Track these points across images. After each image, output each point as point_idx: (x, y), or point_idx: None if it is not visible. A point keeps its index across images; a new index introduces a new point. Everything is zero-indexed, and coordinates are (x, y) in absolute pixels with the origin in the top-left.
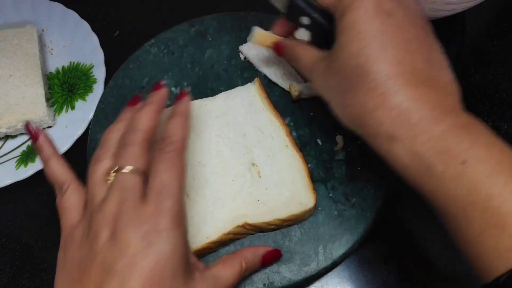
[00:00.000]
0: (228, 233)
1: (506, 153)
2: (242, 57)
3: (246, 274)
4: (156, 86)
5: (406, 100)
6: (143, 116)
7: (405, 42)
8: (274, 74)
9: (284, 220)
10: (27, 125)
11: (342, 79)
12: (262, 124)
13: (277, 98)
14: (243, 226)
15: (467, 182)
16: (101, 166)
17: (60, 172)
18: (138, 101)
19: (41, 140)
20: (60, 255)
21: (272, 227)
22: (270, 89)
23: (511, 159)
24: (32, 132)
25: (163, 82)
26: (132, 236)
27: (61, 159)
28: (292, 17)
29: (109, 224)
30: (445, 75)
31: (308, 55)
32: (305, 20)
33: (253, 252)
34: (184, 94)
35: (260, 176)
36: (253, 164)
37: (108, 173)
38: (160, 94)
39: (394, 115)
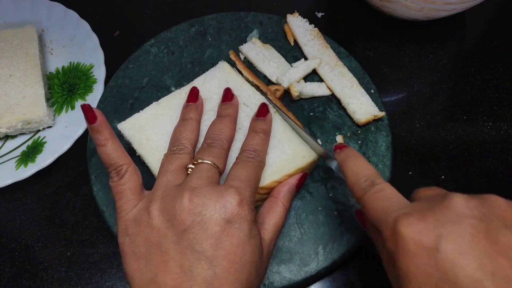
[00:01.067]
0: None
1: None
2: (242, 57)
3: (289, 207)
4: (228, 96)
5: None
6: (225, 128)
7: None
8: (274, 74)
9: (291, 175)
10: (83, 105)
11: None
12: (245, 98)
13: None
14: (257, 192)
15: None
16: (178, 158)
17: (118, 155)
18: (197, 98)
19: (100, 122)
20: (125, 240)
21: None
22: None
23: None
24: (89, 112)
25: (232, 90)
26: (216, 218)
27: (118, 142)
28: None
29: (190, 206)
30: None
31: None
32: None
33: (287, 187)
34: (267, 111)
35: None
36: None
37: (186, 165)
38: (235, 106)
39: None
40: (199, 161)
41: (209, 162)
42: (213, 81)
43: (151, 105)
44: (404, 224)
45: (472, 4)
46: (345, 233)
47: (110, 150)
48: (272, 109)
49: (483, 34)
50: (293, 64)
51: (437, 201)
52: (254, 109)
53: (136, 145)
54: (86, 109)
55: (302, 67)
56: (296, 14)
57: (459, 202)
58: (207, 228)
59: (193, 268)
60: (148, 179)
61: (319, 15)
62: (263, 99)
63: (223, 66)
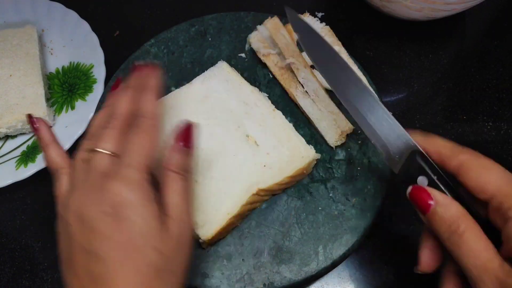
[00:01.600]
0: (246, 204)
1: None
2: (247, 46)
3: (189, 170)
4: (135, 68)
5: None
6: (120, 101)
7: None
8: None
9: (292, 177)
10: (28, 116)
11: None
12: (244, 96)
13: (276, 98)
14: (257, 193)
15: None
16: (82, 148)
17: (57, 158)
18: (120, 85)
19: (39, 127)
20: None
21: (283, 186)
22: (269, 89)
23: None
24: (33, 121)
25: (138, 63)
26: (96, 215)
27: (59, 147)
28: (407, 177)
29: (76, 206)
30: None
31: (475, 254)
32: (422, 180)
33: (171, 150)
34: (146, 66)
35: (258, 145)
36: (248, 136)
37: (86, 155)
38: (139, 78)
39: None
40: (91, 151)
41: (100, 151)
42: (212, 80)
43: None
44: None
45: (472, 4)
46: (345, 233)
47: (51, 153)
48: (269, 108)
49: (483, 34)
50: None
51: None
52: (253, 106)
53: None
54: (30, 118)
55: None
56: (307, 14)
57: None
58: (92, 227)
59: (92, 269)
60: None
61: (319, 15)
62: (261, 97)
63: (222, 65)
